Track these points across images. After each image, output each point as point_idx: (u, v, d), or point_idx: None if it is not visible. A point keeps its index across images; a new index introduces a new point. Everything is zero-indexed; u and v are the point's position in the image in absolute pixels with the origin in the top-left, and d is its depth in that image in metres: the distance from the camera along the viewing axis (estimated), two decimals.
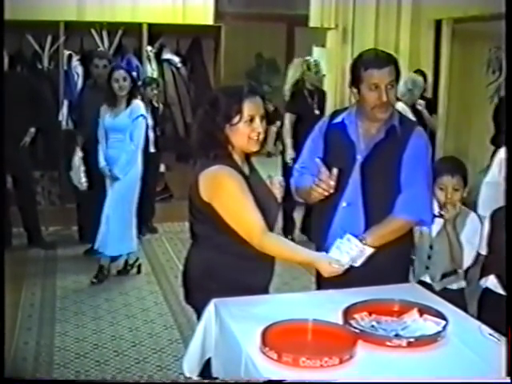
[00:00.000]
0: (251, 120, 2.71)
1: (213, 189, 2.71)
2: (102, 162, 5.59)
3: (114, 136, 5.56)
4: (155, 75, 7.66)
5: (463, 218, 3.32)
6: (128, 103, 5.54)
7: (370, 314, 2.55)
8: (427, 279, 3.38)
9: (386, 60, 3.02)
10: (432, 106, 6.93)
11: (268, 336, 2.27)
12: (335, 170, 2.84)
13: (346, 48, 8.14)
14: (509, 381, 2.12)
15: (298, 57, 7.70)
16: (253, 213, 2.66)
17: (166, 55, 7.89)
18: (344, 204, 3.10)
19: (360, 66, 3.02)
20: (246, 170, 2.84)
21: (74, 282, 5.78)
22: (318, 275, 3.01)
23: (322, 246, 3.05)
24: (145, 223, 7.42)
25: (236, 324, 2.49)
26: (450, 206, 3.27)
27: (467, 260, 3.29)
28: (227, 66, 8.11)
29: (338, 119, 3.18)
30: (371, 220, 3.08)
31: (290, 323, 2.41)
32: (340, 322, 2.47)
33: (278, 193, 2.90)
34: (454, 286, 3.37)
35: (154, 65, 7.74)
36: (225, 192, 2.69)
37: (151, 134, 7.14)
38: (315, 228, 3.29)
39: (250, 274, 2.77)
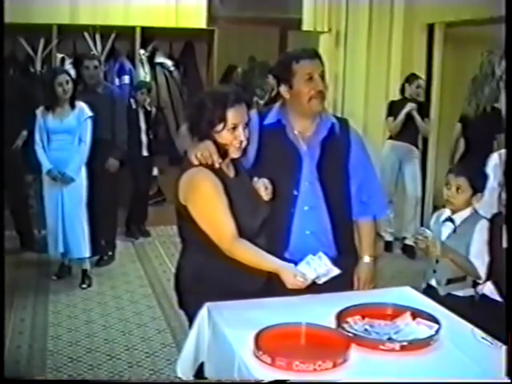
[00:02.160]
0: (234, 128, 2.73)
1: (188, 191, 2.73)
2: (47, 165, 5.52)
3: (61, 138, 5.54)
4: (148, 79, 7.67)
5: (472, 224, 3.33)
6: (72, 105, 5.56)
7: (363, 318, 2.55)
8: (434, 283, 3.39)
9: (313, 52, 3.12)
10: (424, 109, 6.93)
11: (261, 340, 2.27)
12: (267, 183, 2.88)
13: (339, 52, 8.15)
14: (509, 381, 2.14)
15: None
16: (224, 217, 2.68)
17: (159, 59, 7.89)
18: (306, 208, 3.07)
19: (291, 60, 3.04)
20: (231, 172, 2.84)
21: (67, 285, 5.77)
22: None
23: (282, 249, 3.02)
24: (138, 227, 7.44)
25: (229, 328, 2.50)
26: (450, 205, 3.30)
27: (482, 271, 3.28)
28: (220, 69, 8.13)
29: (272, 119, 3.12)
30: (336, 220, 3.11)
31: (284, 327, 2.41)
32: (333, 325, 2.47)
33: (265, 195, 2.88)
34: (461, 293, 3.36)
35: (147, 68, 7.74)
36: (198, 195, 2.71)
37: (144, 138, 7.16)
38: (273, 232, 3.03)
39: (241, 278, 2.76)
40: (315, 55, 3.08)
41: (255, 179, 2.91)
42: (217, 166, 2.72)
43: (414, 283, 4.47)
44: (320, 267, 2.65)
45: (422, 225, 6.98)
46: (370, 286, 3.23)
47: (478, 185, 3.35)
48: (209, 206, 2.70)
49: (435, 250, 3.30)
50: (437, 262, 3.41)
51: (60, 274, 5.94)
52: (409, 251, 6.83)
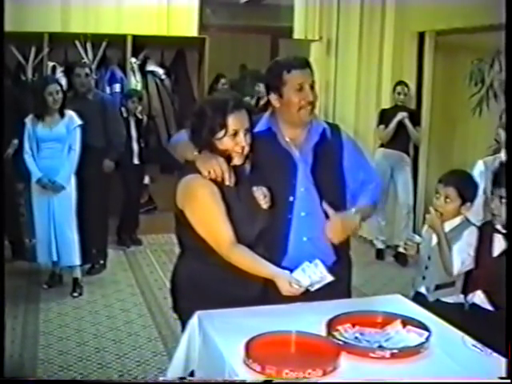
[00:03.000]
0: (235, 134, 2.74)
1: (185, 197, 2.75)
2: (37, 174, 5.52)
3: (50, 146, 5.55)
4: (139, 87, 7.68)
5: (461, 231, 3.34)
6: (61, 114, 5.57)
7: (354, 326, 2.55)
8: (423, 290, 3.40)
9: (304, 61, 3.10)
10: (416, 117, 6.96)
11: (251, 348, 2.27)
12: (266, 191, 2.88)
13: (330, 60, 8.19)
14: (509, 381, 2.15)
15: None
16: (221, 223, 2.70)
17: (150, 67, 7.91)
18: (303, 213, 3.07)
19: (282, 69, 3.03)
20: (232, 180, 2.83)
21: (58, 293, 5.76)
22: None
23: (280, 257, 3.01)
24: (129, 235, 7.43)
25: (219, 336, 2.49)
26: (439, 214, 3.31)
27: (457, 268, 3.29)
28: (211, 77, 8.15)
29: (262, 127, 3.10)
30: None
31: (274, 335, 2.41)
32: (323, 333, 2.47)
33: (264, 203, 2.88)
34: (450, 300, 3.37)
35: (138, 76, 7.76)
36: (195, 201, 2.73)
37: (135, 146, 7.16)
38: (270, 239, 2.99)
39: (236, 285, 2.76)
40: (306, 65, 3.07)
41: (254, 188, 2.90)
42: (227, 183, 2.75)
43: (406, 291, 4.49)
44: (315, 274, 2.65)
45: (414, 232, 7.00)
46: (332, 234, 3.01)
47: (467, 194, 3.36)
48: (206, 212, 2.71)
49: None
50: (426, 268, 3.42)
51: (51, 282, 5.93)
52: (401, 259, 6.84)
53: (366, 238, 7.43)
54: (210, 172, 2.72)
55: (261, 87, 7.34)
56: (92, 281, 6.15)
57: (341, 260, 3.16)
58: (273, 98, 3.09)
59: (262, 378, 2.16)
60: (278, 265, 2.79)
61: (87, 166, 5.72)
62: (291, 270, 2.71)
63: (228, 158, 2.78)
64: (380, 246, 7.19)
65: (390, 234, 7.24)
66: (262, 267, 2.71)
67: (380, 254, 7.20)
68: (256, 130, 3.04)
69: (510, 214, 3.08)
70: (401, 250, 6.91)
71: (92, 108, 6.11)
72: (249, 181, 2.92)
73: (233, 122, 2.73)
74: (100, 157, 6.24)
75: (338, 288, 3.01)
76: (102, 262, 6.48)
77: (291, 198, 3.06)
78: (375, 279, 6.41)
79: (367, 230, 7.17)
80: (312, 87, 3.05)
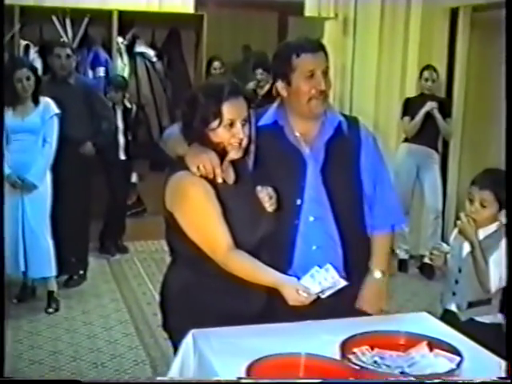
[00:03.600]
0: (231, 124, 2.74)
1: (174, 197, 2.76)
2: (6, 170, 5.39)
3: (22, 138, 5.53)
4: (127, 71, 7.70)
5: (497, 239, 3.33)
6: (35, 102, 5.57)
7: (372, 348, 2.53)
8: (454, 308, 3.38)
9: (317, 44, 3.08)
10: (446, 108, 6.96)
11: (254, 372, 2.26)
12: (272, 192, 2.88)
13: (347, 41, 8.17)
14: (509, 381, 2.18)
15: None
16: (217, 226, 2.70)
17: (140, 48, 7.92)
18: (311, 218, 3.07)
19: (290, 53, 3.00)
20: (230, 178, 2.85)
21: (30, 309, 5.77)
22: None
23: (285, 267, 3.00)
24: (114, 241, 7.44)
25: (217, 358, 2.49)
26: (472, 222, 3.29)
27: (494, 283, 3.28)
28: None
29: (268, 120, 3.11)
30: (346, 232, 3.11)
31: (280, 357, 2.39)
32: (337, 356, 2.46)
33: (269, 205, 2.89)
34: (487, 320, 3.36)
35: (126, 59, 7.77)
36: (186, 202, 2.73)
37: (121, 139, 7.18)
38: (275, 247, 3.03)
39: (235, 299, 2.77)
40: (319, 48, 3.05)
41: (258, 188, 2.90)
42: (219, 181, 2.73)
43: (433, 308, 4.47)
44: (326, 280, 2.65)
45: (443, 241, 6.98)
46: (377, 308, 3.19)
47: (505, 198, 3.33)
48: (199, 214, 2.71)
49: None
50: (456, 282, 3.41)
51: (22, 296, 5.92)
52: (427, 271, 6.84)
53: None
54: (198, 167, 2.71)
55: (263, 73, 7.36)
56: (70, 294, 6.15)
57: (356, 270, 3.14)
58: (280, 86, 3.07)
59: None
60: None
61: (66, 161, 5.72)
62: (298, 279, 2.70)
63: (223, 152, 2.78)
64: (403, 256, 7.18)
65: (414, 243, 7.24)
66: (263, 274, 2.70)
67: (403, 265, 7.19)
68: (261, 123, 3.07)
69: (510, 214, 3.08)
70: (427, 260, 6.91)
71: (73, 94, 6.12)
72: (252, 179, 2.92)
73: (228, 110, 2.72)
74: (75, 153, 6.23)
75: (353, 306, 3.02)
76: (81, 272, 6.48)
77: (298, 201, 3.06)
78: (397, 294, 6.39)
79: None
80: (325, 74, 3.03)
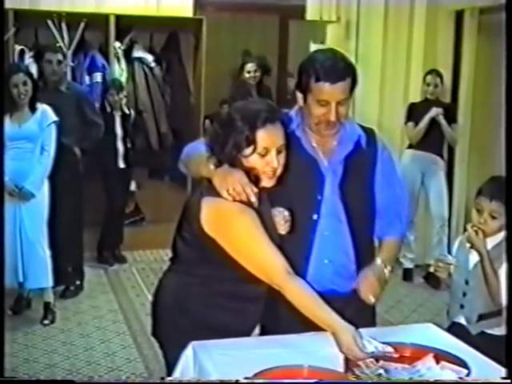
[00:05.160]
0: (266, 153, 2.68)
1: (219, 225, 2.69)
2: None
3: (19, 146, 5.51)
4: (124, 76, 7.69)
5: (505, 249, 3.30)
6: (32, 108, 5.56)
7: (377, 361, 2.53)
8: (462, 320, 3.36)
9: (343, 71, 2.93)
10: (451, 113, 6.96)
11: None
12: (287, 215, 2.86)
13: (350, 45, 8.13)
14: (509, 381, 2.19)
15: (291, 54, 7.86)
16: (272, 254, 2.65)
17: (138, 53, 7.91)
18: (326, 233, 3.05)
19: (311, 73, 2.92)
20: (256, 200, 2.75)
21: (25, 321, 5.77)
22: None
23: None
24: (111, 251, 7.43)
25: (218, 371, 2.47)
26: (481, 233, 3.27)
27: (506, 297, 3.25)
28: (209, 65, 8.13)
29: None
30: (359, 246, 3.10)
31: (282, 370, 2.39)
32: (341, 369, 2.45)
33: (283, 229, 2.87)
34: (498, 332, 3.33)
35: (123, 64, 7.76)
36: (236, 232, 2.67)
37: (121, 147, 7.17)
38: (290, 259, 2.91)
39: (225, 313, 2.78)
40: (342, 76, 2.91)
41: (275, 212, 2.87)
42: (252, 200, 2.65)
43: (439, 318, 4.46)
44: (377, 348, 2.55)
45: (449, 250, 6.98)
46: (370, 293, 3.06)
47: None
48: (252, 244, 2.67)
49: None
50: (464, 295, 3.39)
51: (17, 307, 5.91)
52: (433, 280, 6.82)
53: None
54: (229, 192, 2.64)
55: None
56: (66, 306, 6.15)
57: None
58: (298, 95, 3.03)
59: None
60: None
61: (60, 170, 5.72)
62: None
63: (256, 178, 2.72)
64: (408, 265, 7.17)
65: (420, 252, 7.23)
66: (322, 311, 2.59)
67: (408, 274, 7.18)
68: None
69: (510, 215, 3.07)
70: (432, 269, 6.90)
71: (65, 102, 6.10)
72: (268, 197, 2.87)
73: (263, 138, 2.66)
74: (75, 159, 6.24)
75: (361, 317, 3.00)
76: (78, 282, 6.48)
77: (315, 216, 3.04)
78: (402, 304, 6.39)
79: None
80: (342, 104, 2.93)
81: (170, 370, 2.88)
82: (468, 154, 7.45)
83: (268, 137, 2.67)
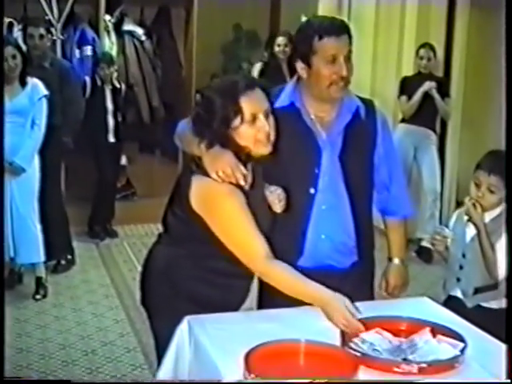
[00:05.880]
0: (254, 119, 2.67)
1: (206, 204, 2.70)
2: None
3: (10, 120, 5.41)
4: (115, 50, 7.64)
5: (502, 223, 3.31)
6: (22, 82, 5.50)
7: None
8: (459, 294, 3.37)
9: (342, 26, 2.99)
10: (444, 87, 6.94)
11: (253, 360, 2.25)
12: (282, 193, 2.85)
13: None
14: (509, 381, 2.18)
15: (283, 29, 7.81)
16: (255, 237, 2.65)
17: (128, 26, 7.88)
18: (324, 207, 3.04)
19: (313, 34, 2.93)
20: (249, 177, 2.77)
21: (17, 295, 5.76)
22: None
23: (295, 257, 3.02)
24: (103, 226, 7.42)
25: (214, 346, 2.47)
26: (479, 207, 3.27)
27: (502, 270, 3.26)
28: (200, 39, 8.08)
29: (284, 101, 3.05)
30: (360, 221, 3.11)
31: (279, 344, 2.39)
32: (337, 342, 2.45)
33: (278, 208, 2.85)
34: (494, 305, 3.34)
35: (114, 38, 7.72)
36: (221, 213, 2.67)
37: (111, 121, 7.13)
38: (284, 236, 3.00)
39: (216, 290, 2.80)
40: (344, 31, 2.96)
41: (268, 191, 2.86)
42: (241, 183, 2.65)
43: (431, 292, 4.48)
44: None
45: (441, 224, 6.99)
46: (401, 291, 3.36)
47: None
48: (236, 226, 2.67)
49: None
50: (461, 268, 3.39)
51: (9, 282, 5.89)
52: (424, 254, 6.87)
53: (383, 229, 7.41)
54: (218, 174, 2.63)
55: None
56: (58, 280, 6.14)
57: (362, 262, 3.17)
58: (299, 66, 3.01)
59: None
60: (293, 266, 2.72)
61: (47, 146, 5.68)
62: (308, 270, 2.74)
63: (247, 157, 2.72)
64: None
65: (411, 226, 7.19)
66: (307, 287, 2.61)
67: None
68: (277, 105, 2.96)
69: (510, 213, 3.07)
70: (424, 244, 6.93)
71: (49, 79, 5.94)
72: (262, 174, 2.87)
73: (248, 103, 2.65)
74: (59, 136, 6.19)
75: (359, 292, 3.02)
76: (69, 257, 6.47)
77: (312, 190, 3.03)
78: None
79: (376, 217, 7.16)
80: (348, 58, 2.96)
81: (157, 341, 2.97)
82: (460, 128, 7.44)
83: (252, 101, 2.66)
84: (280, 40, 7.49)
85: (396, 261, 3.33)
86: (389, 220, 3.33)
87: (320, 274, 2.87)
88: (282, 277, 2.64)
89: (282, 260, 2.67)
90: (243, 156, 2.70)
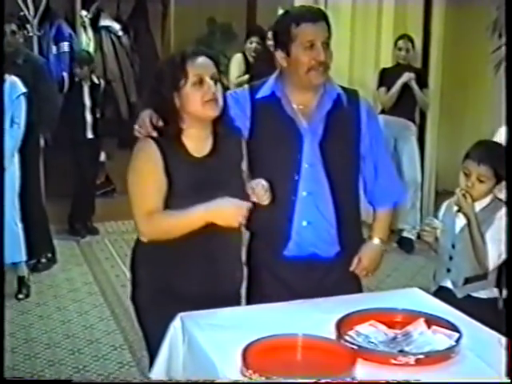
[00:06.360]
0: (200, 82, 2.75)
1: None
2: None
3: None
4: (92, 46, 7.62)
5: (492, 213, 3.33)
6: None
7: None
8: (449, 284, 3.39)
9: (319, 13, 3.07)
10: (422, 78, 6.95)
11: (250, 355, 2.25)
12: (266, 185, 2.84)
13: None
14: (509, 381, 2.18)
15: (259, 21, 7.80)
16: (145, 195, 2.77)
17: (105, 21, 7.86)
18: (304, 193, 3.07)
19: (290, 22, 3.01)
20: (203, 148, 2.85)
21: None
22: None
23: (284, 241, 3.08)
24: (83, 223, 7.38)
25: (209, 342, 2.47)
26: (469, 197, 3.29)
27: (492, 261, 3.28)
28: (178, 33, 8.06)
29: (265, 91, 3.11)
30: (341, 209, 3.12)
31: (276, 339, 2.39)
32: (333, 336, 2.46)
33: (265, 199, 2.83)
34: (483, 295, 3.37)
35: (91, 33, 7.71)
36: (130, 166, 2.81)
37: (89, 117, 7.09)
38: (269, 222, 3.09)
39: (177, 274, 2.84)
40: (320, 17, 3.03)
41: (253, 184, 2.86)
42: (153, 134, 2.77)
43: (413, 282, 4.49)
44: None
45: (421, 214, 7.03)
46: (372, 272, 3.30)
47: (503, 172, 3.27)
48: (134, 179, 2.80)
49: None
50: (450, 258, 3.41)
51: None
52: (406, 245, 6.90)
53: (365, 221, 7.42)
54: (135, 128, 2.80)
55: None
56: (40, 279, 6.11)
57: (347, 253, 3.18)
58: (279, 56, 3.06)
59: None
60: (280, 253, 2.85)
61: (25, 143, 5.62)
62: (293, 259, 2.81)
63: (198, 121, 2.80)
64: None
65: (393, 216, 7.24)
66: (190, 214, 2.70)
67: None
68: (259, 95, 3.08)
69: (510, 211, 3.09)
70: (405, 234, 6.96)
71: (24, 75, 5.75)
72: (230, 155, 2.91)
73: (193, 66, 2.76)
74: (36, 133, 6.15)
75: (346, 285, 3.05)
76: (49, 255, 6.42)
77: (296, 177, 3.05)
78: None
79: (365, 212, 7.17)
80: (326, 44, 3.01)
81: (147, 340, 2.97)
82: (439, 119, 7.46)
83: (197, 65, 2.77)
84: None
85: (375, 240, 3.28)
86: (378, 209, 3.32)
87: (305, 264, 3.03)
88: (164, 222, 2.77)
89: (269, 247, 2.88)
90: (196, 123, 2.80)
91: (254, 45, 7.36)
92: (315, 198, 3.07)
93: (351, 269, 3.19)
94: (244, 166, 2.97)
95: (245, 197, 2.81)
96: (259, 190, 2.85)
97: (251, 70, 7.17)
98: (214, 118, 2.81)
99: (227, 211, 2.65)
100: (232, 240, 2.90)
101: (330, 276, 3.12)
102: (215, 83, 2.77)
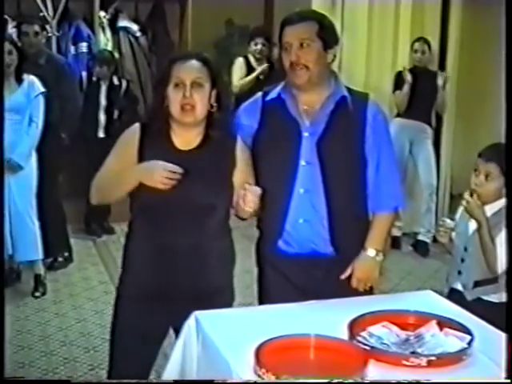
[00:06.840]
0: (183, 85, 2.85)
1: None
2: None
3: (7, 117, 5.36)
4: (110, 46, 7.62)
5: (503, 218, 3.32)
6: (19, 79, 5.49)
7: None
8: (459, 287, 3.39)
9: (304, 15, 3.13)
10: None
11: (263, 355, 2.27)
12: (259, 191, 2.83)
13: (336, 11, 8.08)
14: (509, 381, 2.19)
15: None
16: (103, 166, 3.09)
17: (123, 22, 7.87)
18: (301, 190, 3.11)
19: (281, 26, 3.13)
20: (191, 142, 2.94)
21: (16, 293, 5.75)
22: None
23: (277, 235, 3.15)
24: (99, 223, 7.41)
25: (223, 341, 2.49)
26: (477, 198, 3.29)
27: (501, 265, 3.29)
28: (195, 34, 8.07)
29: (273, 94, 3.19)
30: (336, 208, 3.13)
31: (289, 339, 2.41)
32: (345, 337, 2.47)
33: (253, 205, 2.80)
34: (494, 299, 3.37)
35: (109, 34, 7.72)
36: None
37: (102, 116, 7.11)
38: (267, 219, 3.21)
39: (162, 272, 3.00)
40: (303, 19, 3.08)
41: (248, 186, 2.84)
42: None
43: (427, 286, 4.48)
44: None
45: (436, 218, 7.02)
46: (366, 285, 3.22)
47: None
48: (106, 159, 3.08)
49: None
50: (462, 261, 3.42)
51: (7, 280, 5.89)
52: (421, 248, 6.90)
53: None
54: None
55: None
56: (56, 277, 6.13)
57: (347, 251, 3.19)
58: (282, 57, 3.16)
59: None
60: (273, 248, 3.04)
61: (44, 143, 5.68)
62: (295, 256, 2.93)
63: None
64: (396, 233, 7.16)
65: (408, 219, 7.23)
66: (123, 171, 2.93)
67: (396, 242, 7.17)
68: (268, 98, 3.17)
69: (510, 210, 3.09)
70: (421, 237, 6.96)
71: (46, 76, 5.86)
72: (219, 154, 2.97)
73: (177, 69, 2.88)
74: (57, 133, 6.19)
75: (346, 287, 3.08)
76: (66, 254, 6.46)
77: (293, 174, 3.12)
78: (390, 272, 6.39)
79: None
80: (307, 45, 3.04)
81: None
82: (454, 122, 7.45)
83: (180, 68, 2.88)
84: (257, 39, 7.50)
85: (370, 252, 3.20)
86: (377, 213, 3.26)
87: (307, 261, 3.09)
88: (100, 178, 3.11)
89: (267, 242, 3.04)
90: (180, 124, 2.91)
91: (259, 46, 7.37)
92: (311, 196, 3.11)
93: (342, 277, 3.18)
94: (237, 174, 2.98)
95: (229, 201, 2.95)
96: (250, 194, 2.80)
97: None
98: (189, 123, 2.89)
99: (153, 171, 2.79)
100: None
101: (333, 273, 3.15)
102: (200, 87, 2.86)
